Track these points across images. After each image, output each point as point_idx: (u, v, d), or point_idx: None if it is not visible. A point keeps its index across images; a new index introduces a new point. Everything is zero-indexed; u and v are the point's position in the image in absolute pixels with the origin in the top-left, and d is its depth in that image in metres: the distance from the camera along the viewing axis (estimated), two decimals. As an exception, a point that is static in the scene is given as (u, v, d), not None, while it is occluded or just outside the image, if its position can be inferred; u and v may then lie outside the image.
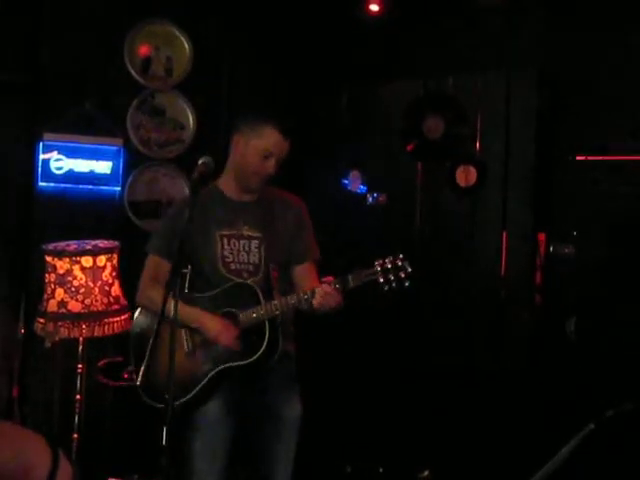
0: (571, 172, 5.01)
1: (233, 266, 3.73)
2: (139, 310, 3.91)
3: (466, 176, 5.22)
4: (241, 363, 3.62)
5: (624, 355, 4.64)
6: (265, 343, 3.58)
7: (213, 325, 3.63)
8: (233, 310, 3.66)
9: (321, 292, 3.51)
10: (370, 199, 5.54)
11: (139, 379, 3.73)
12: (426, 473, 5.04)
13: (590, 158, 4.93)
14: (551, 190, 5.16)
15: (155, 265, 3.84)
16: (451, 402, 5.12)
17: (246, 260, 3.75)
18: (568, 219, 5.02)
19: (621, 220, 4.81)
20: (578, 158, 4.96)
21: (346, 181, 5.63)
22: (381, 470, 5.18)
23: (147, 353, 3.76)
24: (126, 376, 4.70)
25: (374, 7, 5.58)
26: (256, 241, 3.77)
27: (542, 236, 5.05)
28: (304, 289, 3.66)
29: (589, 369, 4.77)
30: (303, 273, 3.82)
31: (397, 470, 5.16)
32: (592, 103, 4.99)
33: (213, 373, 3.64)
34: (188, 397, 3.62)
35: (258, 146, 3.67)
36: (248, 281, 3.71)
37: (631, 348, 4.63)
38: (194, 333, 3.67)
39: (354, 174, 5.60)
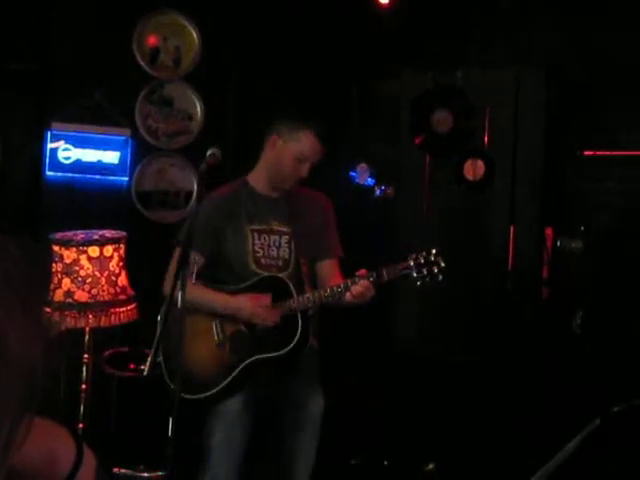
0: (579, 167, 5.01)
1: (263, 261, 3.74)
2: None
3: (474, 170, 5.21)
4: (272, 355, 3.62)
5: (630, 350, 4.64)
6: (298, 335, 3.59)
7: (244, 304, 3.61)
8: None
9: (357, 286, 3.49)
10: (378, 192, 5.53)
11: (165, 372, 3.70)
12: (431, 466, 5.05)
13: (598, 153, 4.93)
14: (559, 185, 5.15)
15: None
16: (456, 395, 5.12)
17: (276, 255, 3.75)
18: (575, 214, 5.01)
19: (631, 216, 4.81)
20: (586, 153, 4.95)
21: (354, 174, 5.62)
22: (386, 463, 5.18)
23: (163, 345, 3.74)
24: (132, 366, 4.69)
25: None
26: (286, 236, 3.78)
27: (549, 230, 5.05)
28: (330, 285, 3.66)
29: (595, 363, 4.77)
30: (327, 269, 3.81)
31: (402, 463, 5.16)
32: (600, 99, 4.98)
33: (243, 366, 3.62)
34: (217, 389, 3.61)
35: (295, 150, 3.69)
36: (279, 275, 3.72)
37: (637, 343, 4.63)
38: (225, 323, 3.66)
39: (362, 167, 5.59)
